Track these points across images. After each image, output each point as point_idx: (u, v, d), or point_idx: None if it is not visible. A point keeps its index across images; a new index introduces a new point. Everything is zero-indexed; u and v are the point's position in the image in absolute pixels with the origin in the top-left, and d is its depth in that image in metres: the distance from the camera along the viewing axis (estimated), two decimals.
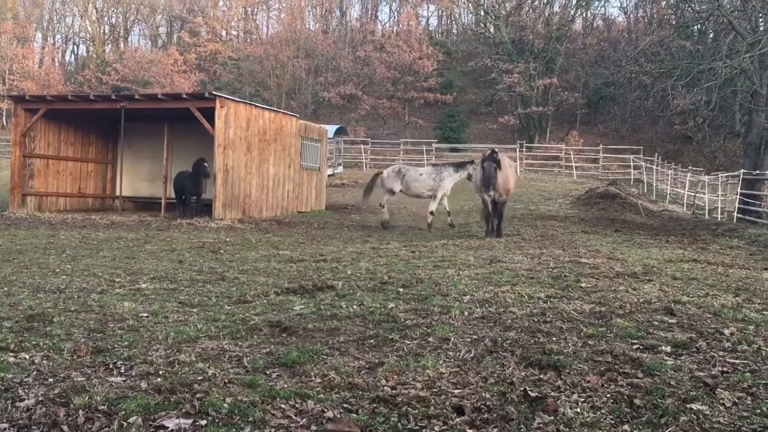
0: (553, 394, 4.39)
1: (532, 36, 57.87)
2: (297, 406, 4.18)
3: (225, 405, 4.11)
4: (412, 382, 4.60)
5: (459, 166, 21.12)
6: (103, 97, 26.92)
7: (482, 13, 65.58)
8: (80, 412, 4.00)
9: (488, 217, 16.79)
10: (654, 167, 40.75)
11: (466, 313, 6.62)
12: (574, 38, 62.03)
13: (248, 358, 5.12)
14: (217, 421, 3.93)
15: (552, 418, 4.03)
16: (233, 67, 68.00)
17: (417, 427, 3.91)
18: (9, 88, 63.65)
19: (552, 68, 57.05)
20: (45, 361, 4.99)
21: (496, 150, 16.77)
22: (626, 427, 3.94)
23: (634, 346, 5.48)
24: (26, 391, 4.35)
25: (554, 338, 5.71)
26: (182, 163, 27.61)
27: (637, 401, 4.27)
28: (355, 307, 6.97)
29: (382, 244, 13.99)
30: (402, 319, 6.40)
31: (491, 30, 63.35)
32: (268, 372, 4.83)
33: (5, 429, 3.80)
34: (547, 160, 48.27)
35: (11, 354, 5.16)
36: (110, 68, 67.80)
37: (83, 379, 4.60)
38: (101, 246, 13.94)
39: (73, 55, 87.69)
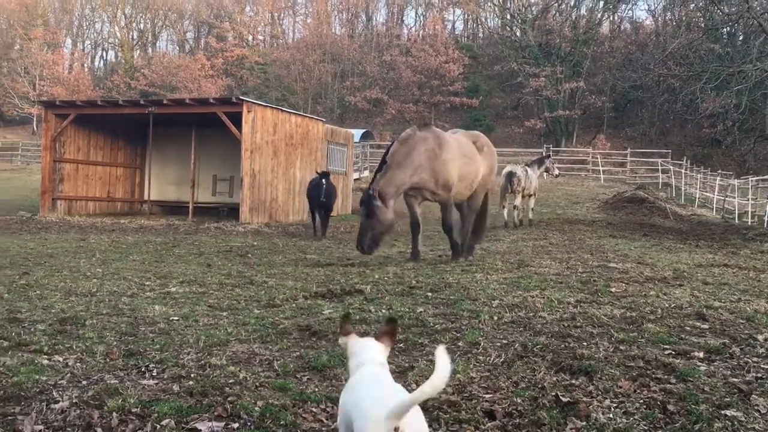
0: (584, 399, 4.36)
1: (558, 39, 57.61)
2: (328, 409, 4.18)
3: (256, 408, 4.13)
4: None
5: (539, 162, 21.80)
6: (132, 102, 27.21)
7: (508, 16, 65.47)
8: (114, 414, 4.03)
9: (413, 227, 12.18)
10: (683, 171, 40.41)
11: (495, 318, 6.60)
12: (601, 41, 61.67)
13: (279, 362, 5.14)
14: (249, 424, 3.95)
15: (584, 423, 4.00)
16: (260, 72, 68.35)
17: None
18: (39, 94, 64.42)
19: (579, 72, 56.75)
20: (78, 364, 5.04)
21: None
22: None
23: (667, 352, 5.43)
24: (60, 393, 4.39)
25: (585, 343, 5.67)
26: (210, 168, 27.85)
27: (670, 407, 4.23)
28: (384, 311, 6.97)
29: (409, 248, 13.96)
30: (431, 324, 6.38)
31: (517, 34, 63.17)
32: (298, 376, 4.84)
33: (41, 431, 3.84)
34: (573, 164, 48.01)
35: (45, 356, 5.21)
36: (138, 73, 68.47)
37: (116, 381, 4.63)
38: (130, 250, 14.07)
39: (102, 61, 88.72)
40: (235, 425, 3.93)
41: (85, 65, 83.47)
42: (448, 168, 11.60)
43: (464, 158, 12.05)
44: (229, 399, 4.29)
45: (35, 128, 68.70)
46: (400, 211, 12.44)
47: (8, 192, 36.13)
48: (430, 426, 3.93)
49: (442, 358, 2.91)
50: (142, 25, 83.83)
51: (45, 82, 69.54)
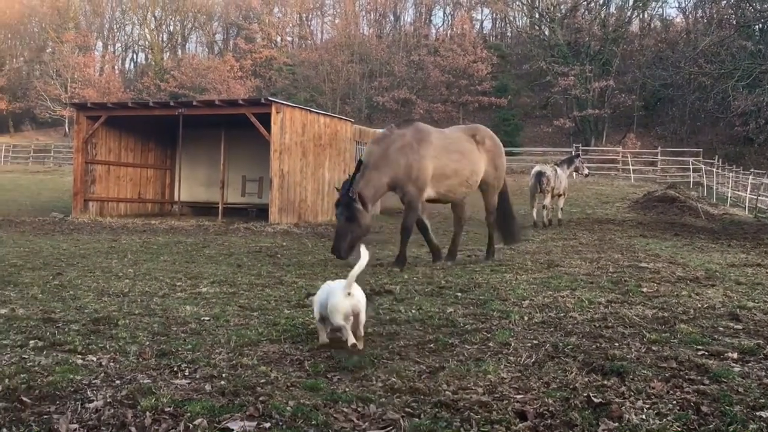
0: (617, 400, 4.33)
1: (587, 38, 57.29)
2: (359, 409, 4.19)
3: (288, 408, 4.15)
4: (473, 387, 4.58)
5: (569, 162, 21.84)
6: (162, 104, 27.42)
7: (537, 15, 65.16)
8: (147, 413, 4.06)
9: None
10: (714, 170, 39.98)
11: (525, 318, 6.58)
12: (630, 40, 61.23)
13: (309, 362, 5.16)
14: (281, 424, 3.97)
15: (617, 424, 3.97)
16: (288, 73, 68.66)
17: None
18: (71, 96, 65.29)
19: (608, 70, 56.37)
20: (112, 364, 5.09)
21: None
22: None
23: (700, 352, 5.38)
24: (95, 392, 4.43)
25: (617, 344, 5.63)
26: (239, 169, 28.01)
27: (704, 408, 4.19)
28: (413, 311, 6.98)
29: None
30: (461, 324, 6.38)
31: (546, 32, 62.88)
32: (329, 376, 4.86)
33: (76, 429, 3.88)
34: (603, 163, 47.68)
35: (79, 356, 5.27)
36: (168, 75, 69.10)
37: (149, 381, 4.68)
38: (161, 250, 14.18)
39: (132, 63, 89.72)
40: (267, 425, 3.95)
41: (116, 67, 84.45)
42: (424, 164, 11.14)
43: (451, 154, 11.58)
44: (260, 399, 4.31)
45: (67, 130, 69.59)
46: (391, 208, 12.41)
47: (41, 194, 36.58)
48: (461, 427, 3.94)
49: (363, 251, 5.63)
50: (171, 27, 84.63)
51: (76, 85, 70.42)
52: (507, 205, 13.01)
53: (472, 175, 11.87)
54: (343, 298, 5.38)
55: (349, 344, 5.32)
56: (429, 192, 11.46)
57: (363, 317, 5.51)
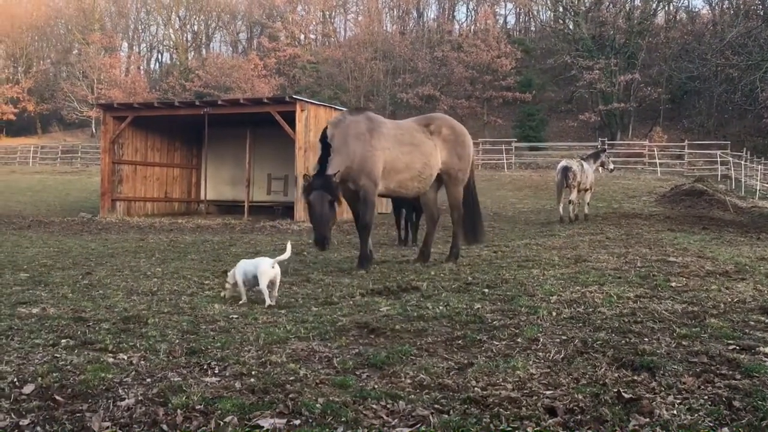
0: (647, 395, 4.30)
1: (612, 31, 56.86)
2: (388, 406, 4.20)
3: (318, 405, 4.16)
4: (502, 383, 4.57)
5: (595, 156, 21.83)
6: (187, 103, 27.59)
7: (561, 9, 64.79)
8: (178, 411, 4.10)
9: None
10: (742, 162, 39.59)
11: (554, 314, 6.55)
12: (656, 32, 60.65)
13: (338, 359, 5.17)
14: (310, 420, 3.98)
15: (648, 420, 3.95)
16: (312, 71, 68.77)
17: (509, 428, 3.88)
18: (97, 97, 65.84)
19: (634, 63, 55.90)
20: (142, 362, 5.14)
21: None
22: (725, 429, 3.83)
23: (731, 347, 5.33)
24: (126, 390, 4.48)
25: (646, 339, 5.59)
26: (264, 167, 28.13)
27: (736, 403, 4.16)
28: (441, 307, 6.97)
29: (463, 244, 13.91)
30: (489, 320, 6.36)
31: (570, 26, 62.51)
32: (358, 373, 4.87)
33: (108, 427, 3.93)
34: (629, 157, 47.32)
35: (110, 355, 5.33)
36: (193, 75, 69.46)
37: (179, 379, 4.71)
38: (188, 249, 14.27)
39: (157, 63, 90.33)
40: (297, 422, 3.97)
41: (141, 68, 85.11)
42: (375, 155, 10.42)
43: (402, 146, 10.76)
44: (290, 396, 4.34)
45: (94, 131, 70.21)
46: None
47: (69, 194, 36.94)
48: (490, 423, 3.94)
49: (288, 246, 7.96)
50: (195, 27, 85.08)
51: (102, 86, 70.98)
52: (473, 201, 11.98)
53: (424, 169, 10.97)
54: (269, 268, 7.44)
55: (266, 305, 7.31)
56: (380, 188, 10.71)
57: (278, 284, 7.65)
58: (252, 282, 7.59)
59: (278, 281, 7.63)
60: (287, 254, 7.77)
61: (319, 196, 9.85)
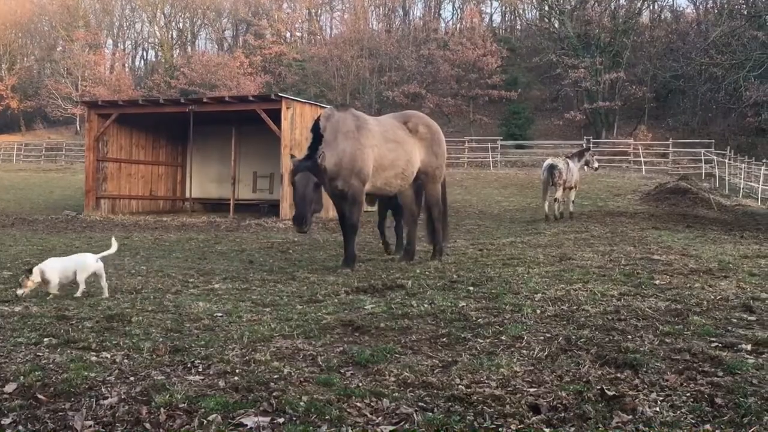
0: (630, 393, 4.32)
1: (597, 30, 56.96)
2: (372, 404, 4.20)
3: (302, 403, 4.16)
4: (486, 381, 4.58)
5: (580, 155, 22.03)
6: (173, 101, 27.48)
7: (546, 8, 64.82)
8: (162, 410, 4.09)
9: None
10: (726, 161, 39.78)
11: (538, 312, 6.57)
12: (641, 31, 60.87)
13: (322, 357, 5.17)
14: (294, 419, 3.98)
15: (630, 417, 3.97)
16: (298, 69, 68.63)
17: (493, 426, 3.89)
18: (82, 94, 65.47)
19: (619, 62, 56.06)
20: (126, 360, 5.11)
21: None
22: (708, 426, 3.86)
23: (713, 344, 5.36)
24: (109, 389, 4.46)
25: (630, 336, 5.62)
26: (250, 165, 28.08)
27: (718, 400, 4.18)
28: (426, 305, 6.97)
29: (449, 242, 13.93)
30: (474, 318, 6.37)
31: (556, 25, 62.58)
32: (342, 371, 4.87)
33: (91, 426, 3.91)
34: (614, 155, 47.48)
35: (93, 353, 5.30)
36: (178, 72, 69.13)
37: (163, 377, 4.70)
38: (173, 247, 14.23)
39: (142, 61, 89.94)
40: (281, 420, 3.97)
41: (126, 65, 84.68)
42: (365, 153, 10.33)
43: (388, 143, 10.73)
44: (274, 394, 4.33)
45: (78, 128, 69.85)
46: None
47: (53, 192, 36.72)
48: (474, 420, 3.95)
49: (113, 241, 8.63)
50: (181, 25, 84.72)
51: (87, 83, 70.61)
52: (444, 201, 12.04)
53: (408, 166, 11.00)
54: (94, 262, 7.91)
55: (79, 293, 7.81)
56: (367, 186, 10.61)
57: (104, 275, 8.04)
58: (71, 277, 7.89)
59: (104, 274, 8.02)
60: (113, 249, 8.42)
61: (304, 177, 9.76)
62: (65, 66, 73.52)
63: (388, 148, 10.72)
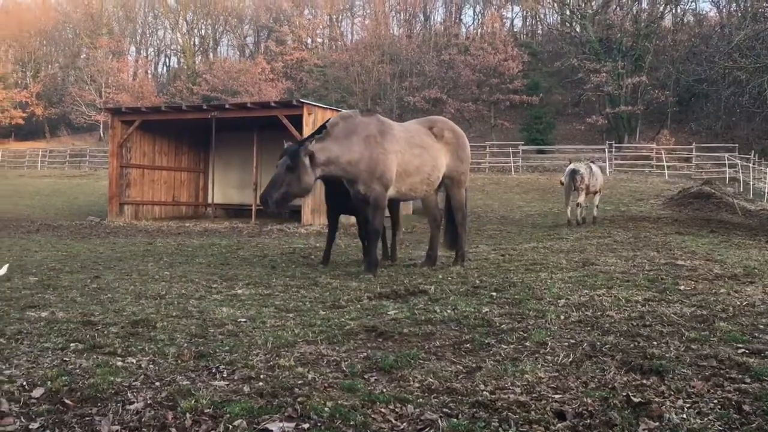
0: (657, 399, 4.30)
1: (619, 34, 56.66)
2: (397, 410, 4.20)
3: (326, 409, 4.17)
4: (510, 387, 4.57)
5: (594, 161, 22.35)
6: (195, 107, 27.63)
7: (568, 12, 64.67)
8: (187, 415, 4.11)
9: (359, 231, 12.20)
10: (750, 165, 39.46)
11: (562, 317, 6.54)
12: (663, 35, 60.52)
13: (346, 363, 5.17)
14: (319, 424, 3.99)
15: (657, 424, 3.94)
16: (319, 74, 68.80)
17: None
18: (105, 101, 66.06)
19: (641, 66, 55.75)
20: (151, 366, 5.14)
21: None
22: None
23: (740, 351, 5.32)
24: (135, 394, 4.49)
25: (655, 342, 5.58)
26: (271, 171, 28.13)
27: (746, 407, 4.15)
28: (449, 311, 6.96)
29: (471, 247, 13.90)
30: (497, 324, 6.36)
31: (577, 29, 62.37)
32: (366, 376, 4.87)
33: (117, 431, 3.94)
34: (637, 160, 47.20)
35: (119, 358, 5.34)
36: (200, 79, 69.56)
37: (188, 383, 4.72)
38: (196, 253, 14.30)
39: (164, 67, 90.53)
40: (306, 425, 3.97)
41: (149, 72, 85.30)
42: (388, 159, 10.24)
43: (414, 149, 10.68)
44: (298, 400, 4.34)
45: (102, 135, 70.41)
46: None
47: (77, 198, 37.05)
48: (499, 426, 3.94)
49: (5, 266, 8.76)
50: (203, 31, 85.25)
51: (110, 90, 71.23)
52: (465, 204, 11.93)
53: (433, 172, 10.98)
54: None
55: None
56: (390, 190, 10.52)
57: None
58: None
59: None
60: (2, 271, 8.67)
61: (282, 160, 9.94)
62: (89, 73, 74.24)
63: (413, 153, 10.67)
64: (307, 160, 9.82)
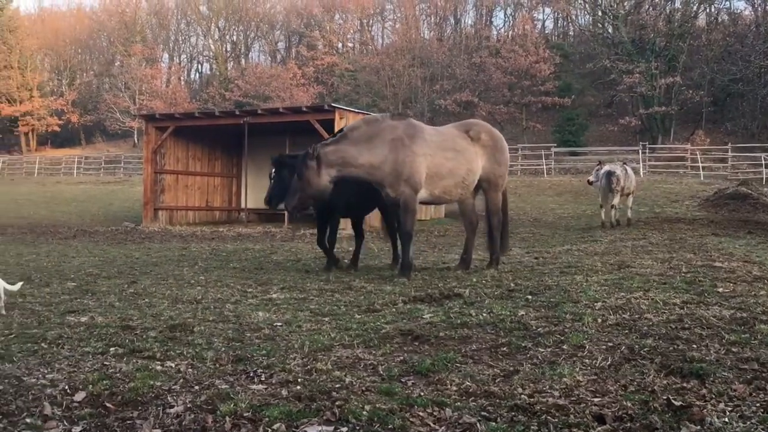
0: (698, 403, 4.25)
1: (652, 34, 56.15)
2: (435, 413, 4.19)
3: (364, 412, 4.17)
4: (549, 390, 4.54)
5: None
6: (228, 113, 27.86)
7: (600, 13, 64.18)
8: (227, 418, 4.13)
9: (388, 231, 12.43)
10: None
11: (599, 320, 6.49)
12: (697, 34, 59.83)
13: (383, 367, 5.18)
14: (358, 428, 4.00)
15: (699, 427, 3.90)
16: (350, 79, 68.96)
17: None
18: (139, 108, 66.79)
19: (675, 66, 55.14)
20: (190, 370, 5.19)
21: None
22: None
23: None
24: (175, 398, 4.53)
25: (695, 345, 5.52)
26: None
27: None
28: (484, 314, 6.94)
29: (504, 251, 13.84)
30: (533, 327, 6.32)
31: (609, 30, 61.93)
32: (403, 380, 4.87)
33: None
34: (671, 161, 46.70)
35: (158, 362, 5.39)
36: (233, 84, 70.08)
37: (227, 386, 4.76)
38: (230, 257, 14.40)
39: (197, 74, 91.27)
40: (344, 429, 3.99)
41: (182, 78, 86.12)
42: (416, 161, 10.22)
43: (446, 152, 10.65)
44: (336, 403, 4.35)
45: (136, 141, 71.18)
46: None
47: (112, 204, 37.47)
48: (538, 430, 3.92)
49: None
50: (235, 37, 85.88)
51: (144, 97, 71.99)
52: (504, 209, 11.85)
53: (468, 175, 10.94)
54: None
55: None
56: (422, 193, 10.53)
57: (3, 296, 7.70)
58: None
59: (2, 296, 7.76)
60: (17, 287, 8.17)
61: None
62: (123, 80, 75.17)
63: (445, 156, 10.62)
64: (313, 163, 10.02)
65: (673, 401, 4.24)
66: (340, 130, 10.56)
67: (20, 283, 8.23)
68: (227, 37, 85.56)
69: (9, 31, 76.62)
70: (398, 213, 10.59)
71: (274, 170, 11.80)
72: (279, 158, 12.09)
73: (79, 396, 4.57)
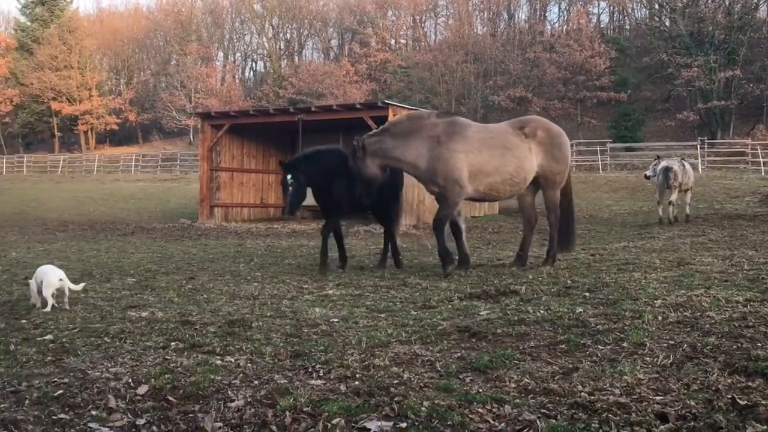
0: (764, 402, 4.15)
1: (711, 27, 55.00)
2: (494, 410, 4.17)
3: (423, 408, 4.17)
4: (609, 388, 4.49)
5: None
6: (282, 110, 28.05)
7: (657, 6, 63.14)
8: (287, 413, 4.17)
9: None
10: None
11: (659, 318, 6.38)
12: (758, 26, 58.37)
13: (441, 363, 5.17)
14: (417, 424, 4.00)
15: (765, 427, 3.82)
16: (403, 75, 68.91)
17: None
18: (195, 106, 67.64)
19: (734, 59, 53.93)
20: (249, 364, 5.25)
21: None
22: None
23: None
24: (235, 392, 4.59)
25: (759, 344, 5.39)
26: None
27: None
28: (542, 311, 6.88)
29: (567, 249, 13.69)
30: (592, 324, 6.25)
31: (667, 23, 60.86)
32: (461, 376, 4.86)
33: (220, 427, 4.03)
34: (731, 156, 45.72)
35: (218, 357, 5.47)
36: (286, 82, 70.54)
37: (285, 381, 4.80)
38: (285, 254, 14.52)
39: (251, 72, 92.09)
40: (403, 425, 3.99)
41: (236, 76, 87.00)
42: (455, 158, 10.21)
43: (493, 149, 10.51)
44: (395, 399, 4.36)
45: (192, 139, 72.17)
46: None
47: (169, 201, 38.03)
48: (600, 428, 3.88)
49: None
50: (288, 35, 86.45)
51: (199, 95, 72.90)
52: (569, 206, 11.68)
53: (518, 172, 10.70)
54: (56, 280, 7.70)
55: (49, 308, 7.60)
56: (467, 190, 10.51)
57: (67, 293, 7.86)
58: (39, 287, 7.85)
59: (67, 292, 7.88)
60: (80, 287, 8.13)
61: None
62: (179, 79, 76.25)
63: (491, 154, 10.52)
64: (360, 153, 10.42)
65: (738, 400, 4.15)
66: (380, 126, 10.82)
67: (82, 284, 8.31)
68: (281, 35, 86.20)
69: (69, 32, 78.18)
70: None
71: (290, 176, 11.01)
72: (291, 163, 11.32)
73: (142, 389, 4.66)
